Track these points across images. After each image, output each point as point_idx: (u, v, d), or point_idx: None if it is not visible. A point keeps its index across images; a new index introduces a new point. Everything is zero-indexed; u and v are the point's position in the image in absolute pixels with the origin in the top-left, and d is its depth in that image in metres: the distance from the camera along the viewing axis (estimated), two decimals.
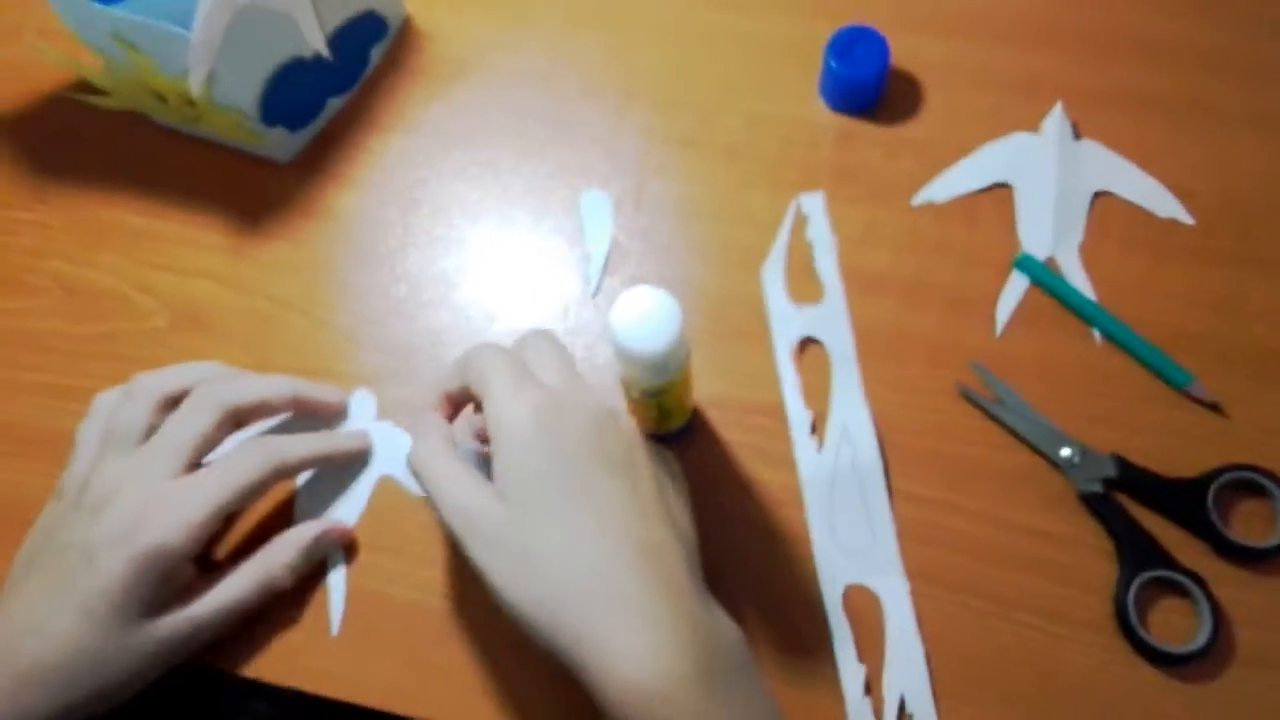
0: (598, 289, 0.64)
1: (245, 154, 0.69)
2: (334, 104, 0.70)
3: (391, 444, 0.61)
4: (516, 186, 0.68)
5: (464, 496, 0.47)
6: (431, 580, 0.58)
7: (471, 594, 0.57)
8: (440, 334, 0.64)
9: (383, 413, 0.62)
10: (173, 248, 0.67)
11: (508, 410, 0.46)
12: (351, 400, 0.62)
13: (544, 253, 0.66)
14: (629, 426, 0.50)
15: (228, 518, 0.56)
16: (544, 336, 0.51)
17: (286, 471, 0.56)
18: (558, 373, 0.49)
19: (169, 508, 0.52)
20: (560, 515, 0.45)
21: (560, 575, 0.44)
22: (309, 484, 0.60)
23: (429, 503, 0.48)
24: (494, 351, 0.49)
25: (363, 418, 0.62)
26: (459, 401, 0.53)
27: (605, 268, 0.65)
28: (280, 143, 0.68)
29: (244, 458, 0.55)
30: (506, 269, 0.66)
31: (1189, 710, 0.53)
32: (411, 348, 0.64)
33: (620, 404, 0.59)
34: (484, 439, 0.51)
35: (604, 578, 0.44)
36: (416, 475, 0.49)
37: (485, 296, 0.65)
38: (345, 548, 0.58)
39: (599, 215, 0.66)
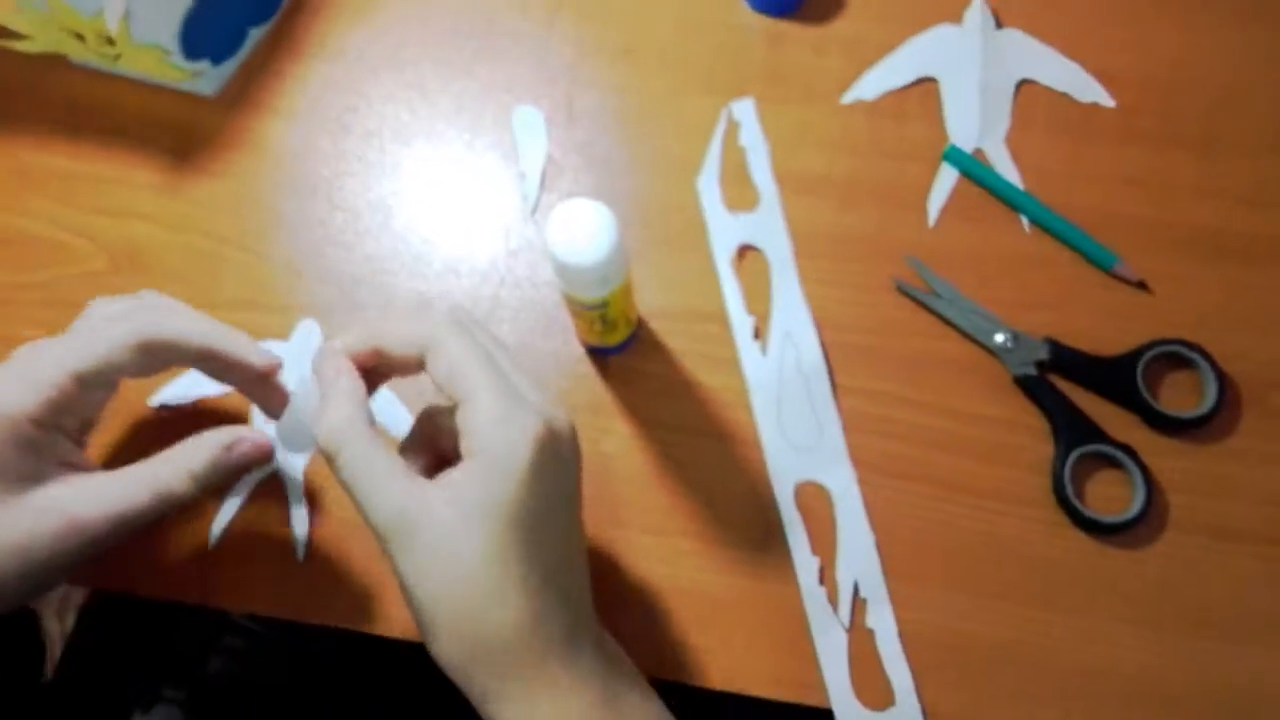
0: (536, 206, 0.65)
1: (170, 90, 0.68)
2: (256, 34, 0.69)
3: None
4: (446, 106, 0.68)
5: (400, 498, 0.42)
6: None
7: None
8: (381, 261, 0.64)
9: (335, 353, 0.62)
10: (106, 189, 0.67)
11: (504, 437, 0.42)
12: (297, 330, 0.62)
13: (479, 172, 0.66)
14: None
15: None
16: (489, 335, 0.48)
17: (157, 347, 0.51)
18: (531, 389, 0.45)
19: (18, 370, 0.49)
20: (518, 552, 0.42)
21: (490, 610, 0.42)
22: (261, 419, 0.60)
23: (343, 488, 0.44)
24: (470, 348, 0.44)
25: (309, 348, 0.62)
26: (396, 367, 0.47)
27: (542, 184, 0.65)
28: (204, 76, 0.67)
29: (108, 325, 0.50)
30: (443, 191, 0.66)
31: (1127, 575, 0.56)
32: (354, 277, 0.64)
33: (566, 319, 0.60)
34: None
35: (531, 631, 0.42)
36: (329, 457, 0.44)
37: (424, 221, 0.65)
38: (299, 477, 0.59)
39: (532, 131, 0.66)
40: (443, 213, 0.65)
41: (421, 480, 0.43)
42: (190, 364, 0.53)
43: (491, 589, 0.41)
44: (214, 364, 0.53)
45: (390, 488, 0.42)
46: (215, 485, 0.53)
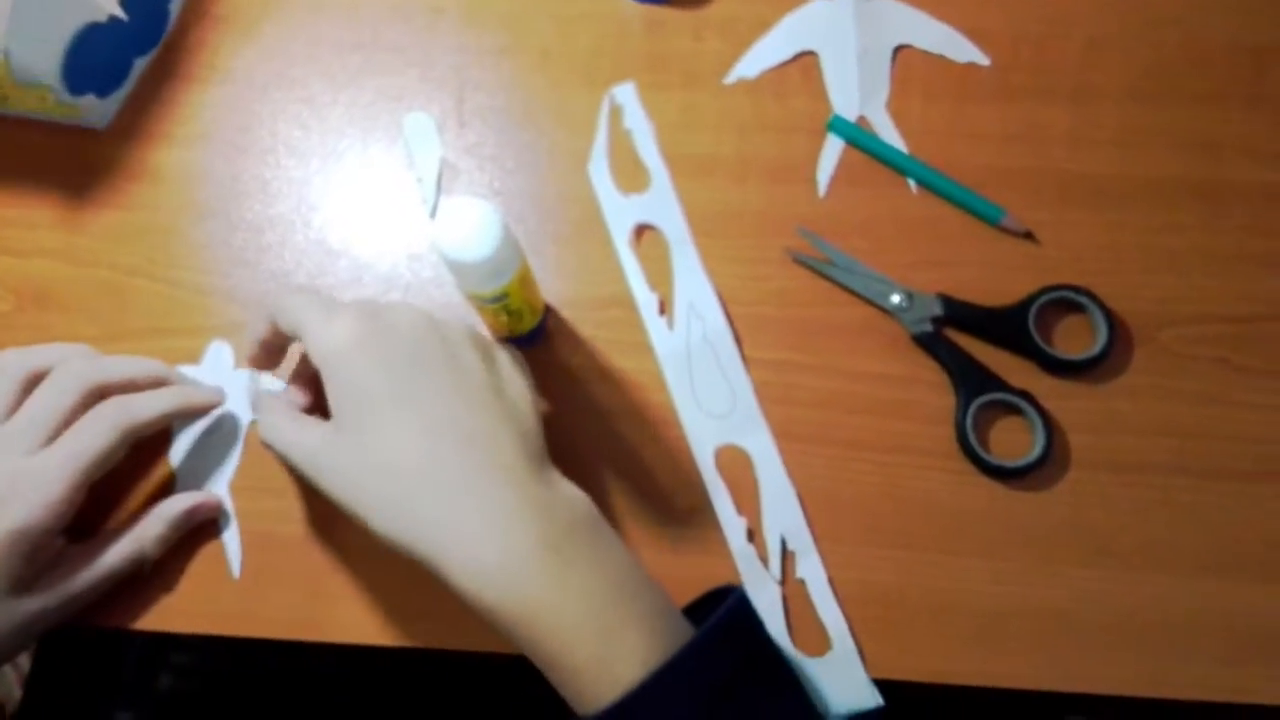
0: (434, 210, 0.65)
1: (63, 125, 0.68)
2: (140, 63, 0.69)
3: (255, 389, 0.62)
4: (338, 119, 0.68)
5: (308, 440, 0.49)
6: (316, 513, 0.59)
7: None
8: (286, 276, 0.64)
9: (241, 362, 0.63)
10: (6, 230, 0.66)
11: (324, 337, 0.48)
12: (208, 352, 0.63)
13: (376, 181, 0.67)
14: (455, 326, 0.52)
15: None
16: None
17: (139, 430, 0.55)
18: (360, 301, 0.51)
19: (29, 487, 0.52)
20: (388, 424, 0.47)
21: (395, 480, 0.46)
22: (180, 444, 0.61)
23: (286, 461, 0.51)
24: (296, 290, 0.52)
25: (222, 369, 0.62)
26: (274, 348, 0.55)
27: (439, 188, 0.66)
28: (93, 110, 0.67)
29: (94, 422, 0.54)
30: (342, 203, 0.66)
31: (1034, 516, 0.58)
32: (260, 294, 0.64)
33: (474, 318, 0.61)
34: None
35: (433, 472, 0.46)
36: (269, 446, 0.52)
37: (325, 233, 0.66)
38: (225, 499, 0.60)
39: (424, 137, 0.67)
40: (343, 223, 0.66)
41: (324, 422, 0.50)
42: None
43: (388, 460, 0.47)
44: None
45: (299, 439, 0.50)
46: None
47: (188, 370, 0.62)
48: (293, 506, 0.60)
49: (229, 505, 0.60)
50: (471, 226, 0.48)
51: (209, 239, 0.66)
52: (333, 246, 0.65)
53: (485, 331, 0.60)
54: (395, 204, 0.66)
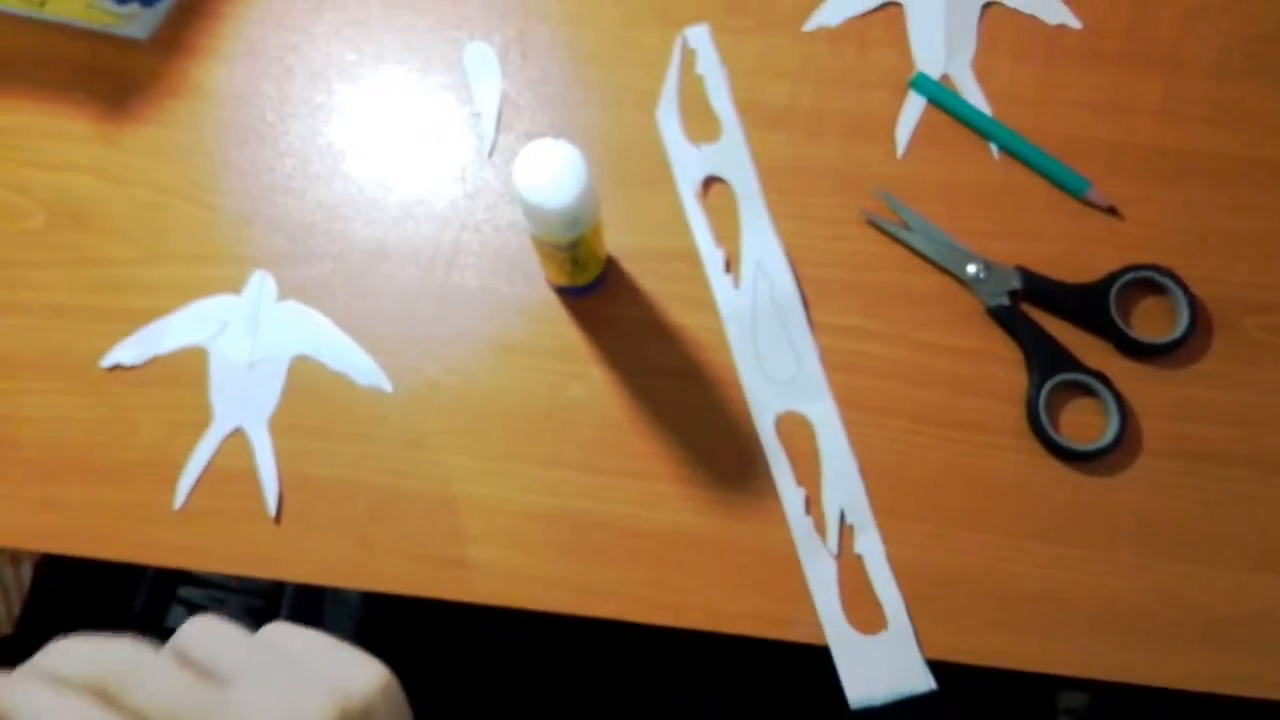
0: (493, 147, 0.62)
1: (102, 35, 0.65)
2: None
3: (300, 323, 0.59)
4: (394, 44, 0.65)
5: None
6: (357, 456, 0.57)
7: (400, 465, 0.57)
8: (334, 208, 0.62)
9: (285, 293, 0.60)
10: (39, 142, 0.63)
11: None
12: (250, 282, 0.60)
13: (432, 113, 0.64)
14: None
15: None
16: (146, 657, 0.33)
17: None
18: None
19: None
20: None
21: None
22: (221, 375, 0.58)
23: None
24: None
25: (264, 301, 0.60)
26: None
27: (498, 124, 0.63)
28: (135, 19, 0.63)
29: None
30: (395, 133, 0.63)
31: (1102, 501, 0.56)
32: (306, 225, 0.61)
33: (534, 259, 0.58)
34: None
35: None
36: None
37: (377, 164, 0.63)
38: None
39: (485, 69, 0.64)
40: (396, 156, 0.63)
41: None
42: None
43: None
44: None
45: None
46: None
47: (227, 300, 0.60)
48: (334, 450, 0.58)
49: (267, 443, 0.57)
50: (556, 171, 0.46)
51: (253, 164, 0.63)
52: (384, 179, 0.62)
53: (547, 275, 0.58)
54: (451, 138, 0.63)
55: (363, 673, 0.35)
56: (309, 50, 0.65)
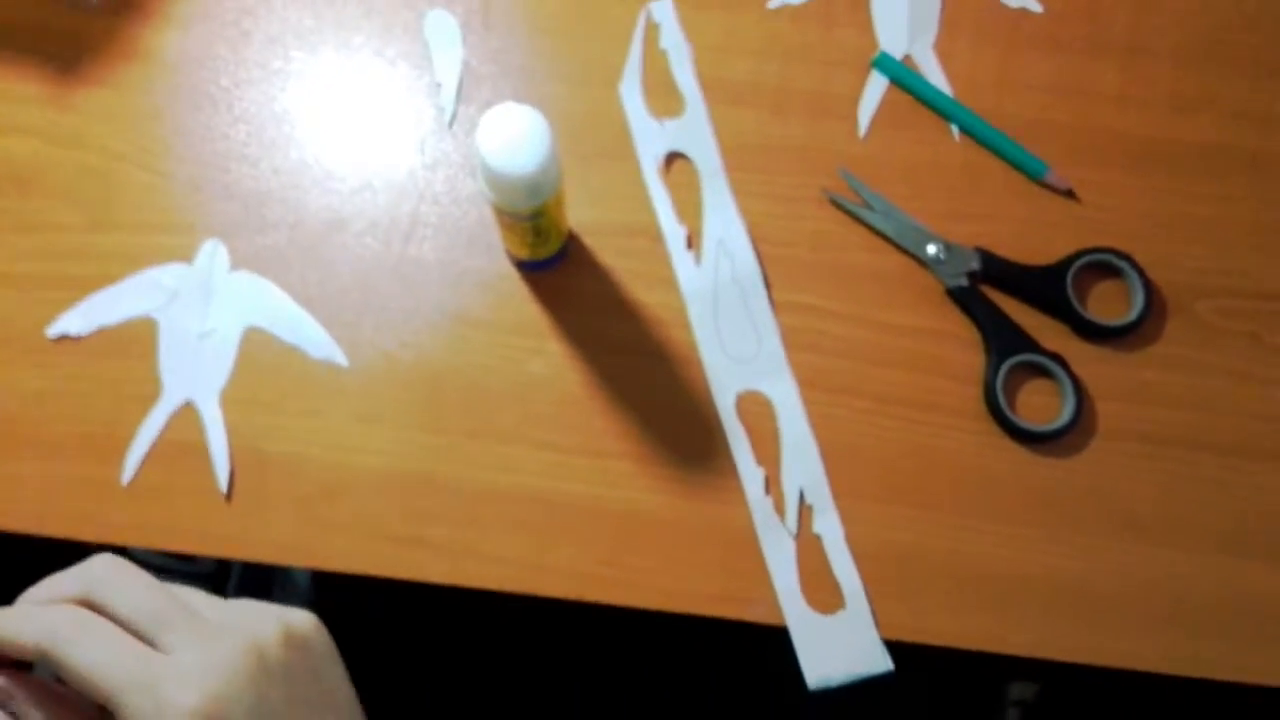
0: (454, 118, 0.61)
1: None
2: None
3: (253, 294, 0.58)
4: (353, 10, 0.64)
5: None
6: (311, 430, 0.56)
7: (354, 441, 0.56)
8: (290, 176, 0.60)
9: (238, 263, 0.59)
10: None
11: None
12: (200, 252, 0.59)
13: (391, 81, 0.62)
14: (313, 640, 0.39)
15: None
16: (124, 571, 0.38)
17: None
18: (189, 633, 0.36)
19: None
20: None
21: None
22: (171, 346, 0.57)
23: None
24: (94, 627, 0.35)
25: (216, 271, 0.59)
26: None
27: (459, 94, 0.62)
28: None
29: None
30: (353, 101, 0.62)
31: (1059, 483, 0.56)
32: (260, 193, 0.60)
33: (494, 232, 0.58)
34: None
35: None
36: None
37: (334, 133, 0.61)
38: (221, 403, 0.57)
39: (446, 38, 0.62)
40: (354, 125, 0.62)
41: None
42: None
43: None
44: None
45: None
46: None
47: (178, 269, 0.58)
48: (287, 424, 0.57)
49: (218, 417, 0.56)
50: (519, 136, 0.45)
51: (206, 130, 0.61)
52: (341, 149, 0.61)
53: (508, 250, 0.57)
54: (410, 107, 0.62)
55: (299, 614, 0.39)
56: (265, 15, 0.63)
